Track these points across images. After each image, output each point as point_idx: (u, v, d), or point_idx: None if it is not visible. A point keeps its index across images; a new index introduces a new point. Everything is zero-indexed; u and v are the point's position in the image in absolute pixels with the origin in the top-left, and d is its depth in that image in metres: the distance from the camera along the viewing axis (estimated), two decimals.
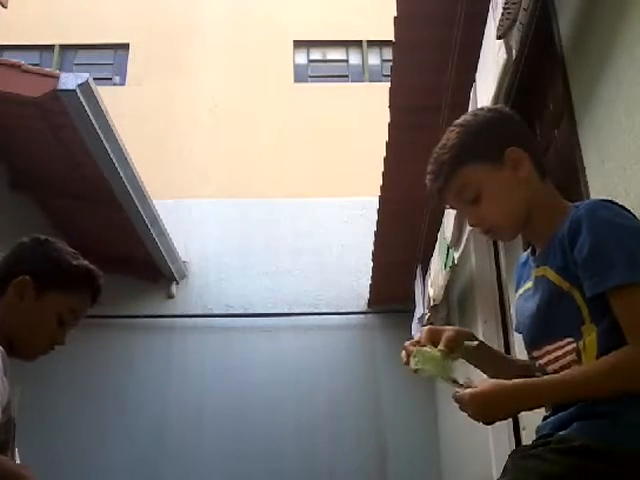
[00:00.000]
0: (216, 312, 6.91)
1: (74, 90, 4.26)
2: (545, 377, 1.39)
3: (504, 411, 1.37)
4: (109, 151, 4.81)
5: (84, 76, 4.35)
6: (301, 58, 8.77)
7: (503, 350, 3.74)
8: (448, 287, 4.81)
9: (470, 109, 3.10)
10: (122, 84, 8.47)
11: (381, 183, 4.63)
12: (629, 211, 1.39)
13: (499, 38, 2.63)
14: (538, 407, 1.40)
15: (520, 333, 1.57)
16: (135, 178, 5.29)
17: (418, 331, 4.97)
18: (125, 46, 8.65)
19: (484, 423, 1.37)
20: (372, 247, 5.61)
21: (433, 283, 4.66)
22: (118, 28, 8.70)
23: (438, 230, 4.42)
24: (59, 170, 5.36)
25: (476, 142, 1.47)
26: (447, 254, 4.16)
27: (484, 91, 2.96)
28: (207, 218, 7.38)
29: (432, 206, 4.39)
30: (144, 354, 6.66)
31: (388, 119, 4.02)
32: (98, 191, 5.42)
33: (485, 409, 1.34)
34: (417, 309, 5.30)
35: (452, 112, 3.30)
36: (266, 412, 6.37)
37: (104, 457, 6.15)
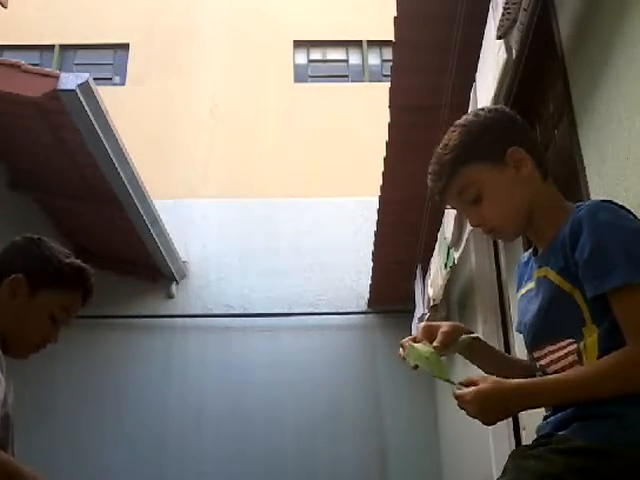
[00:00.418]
0: (216, 312, 6.91)
1: (74, 90, 4.26)
2: (545, 377, 1.40)
3: (505, 411, 1.37)
4: (109, 151, 4.81)
5: (84, 76, 4.35)
6: (301, 58, 8.77)
7: (503, 350, 3.74)
8: (448, 287, 4.82)
9: (470, 109, 3.10)
10: (122, 84, 8.46)
11: (381, 183, 4.63)
12: (629, 211, 1.39)
13: (499, 38, 2.63)
14: (538, 407, 1.40)
15: (521, 333, 1.58)
16: (135, 178, 5.29)
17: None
18: (125, 46, 8.65)
19: (483, 423, 1.37)
20: (372, 247, 5.61)
21: (433, 283, 4.67)
22: (118, 28, 8.70)
23: (438, 230, 4.42)
24: (59, 170, 5.37)
25: (478, 142, 1.47)
26: (447, 254, 4.16)
27: (484, 91, 2.96)
28: (207, 218, 7.38)
29: (432, 206, 4.39)
30: (144, 354, 6.66)
31: (388, 119, 4.02)
32: (98, 191, 5.42)
33: (486, 408, 1.34)
34: (417, 309, 5.31)
35: (452, 112, 3.30)
36: (266, 412, 6.37)
37: (104, 457, 6.16)
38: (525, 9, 2.46)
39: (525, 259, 1.62)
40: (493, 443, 3.85)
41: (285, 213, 7.44)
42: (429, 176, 1.54)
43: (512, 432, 3.76)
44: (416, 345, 1.47)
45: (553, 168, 2.78)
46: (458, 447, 5.30)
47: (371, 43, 8.70)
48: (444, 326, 1.51)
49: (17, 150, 5.27)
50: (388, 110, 3.94)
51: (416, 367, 1.45)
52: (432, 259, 4.74)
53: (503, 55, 2.64)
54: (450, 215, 3.88)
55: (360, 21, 8.63)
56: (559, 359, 1.39)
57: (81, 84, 4.29)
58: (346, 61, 8.85)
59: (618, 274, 1.26)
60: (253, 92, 8.27)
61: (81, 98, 4.32)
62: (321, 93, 8.35)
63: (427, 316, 4.91)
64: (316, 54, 8.92)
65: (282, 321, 6.84)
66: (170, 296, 6.96)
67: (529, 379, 1.38)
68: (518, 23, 2.49)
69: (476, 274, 4.29)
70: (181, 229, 6.96)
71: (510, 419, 3.71)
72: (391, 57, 3.59)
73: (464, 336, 1.52)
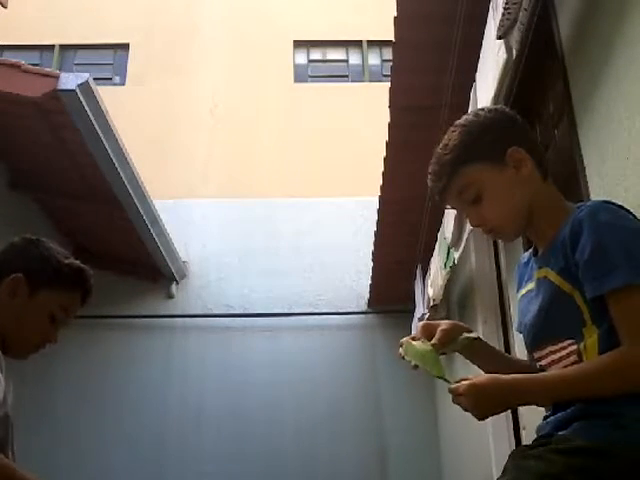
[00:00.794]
0: (216, 312, 6.91)
1: (74, 90, 4.26)
2: (542, 373, 1.40)
3: (499, 405, 1.36)
4: (109, 151, 4.81)
5: (84, 76, 4.35)
6: (301, 58, 8.77)
7: (503, 350, 3.74)
8: (448, 287, 4.82)
9: (470, 109, 3.10)
10: (122, 84, 8.46)
11: (381, 183, 4.63)
12: (629, 212, 1.39)
13: (499, 38, 2.63)
14: (534, 403, 1.40)
15: (521, 333, 1.58)
16: (135, 178, 5.29)
17: None
18: (125, 46, 8.65)
19: (478, 418, 1.36)
20: (372, 247, 5.61)
21: (433, 283, 4.67)
22: (118, 28, 8.70)
23: (438, 230, 4.42)
24: (59, 170, 5.37)
25: (478, 142, 1.47)
26: (447, 254, 4.16)
27: (484, 91, 2.96)
28: (207, 218, 7.38)
29: (432, 206, 4.39)
30: (144, 354, 6.66)
31: (388, 119, 4.02)
32: (98, 191, 5.42)
33: (480, 401, 1.34)
34: (417, 309, 5.31)
35: (452, 112, 3.30)
36: (266, 412, 6.37)
37: (104, 457, 6.16)
38: (525, 9, 2.46)
39: (525, 259, 1.62)
40: (493, 443, 3.85)
41: (285, 213, 7.44)
42: (429, 176, 1.54)
43: (512, 432, 3.75)
44: (414, 343, 1.47)
45: (553, 168, 2.78)
46: (458, 447, 5.30)
47: (371, 43, 8.70)
48: (443, 324, 1.52)
49: (17, 150, 5.27)
50: (388, 110, 3.94)
51: (416, 367, 1.44)
52: (432, 259, 4.74)
53: (503, 55, 2.64)
54: (450, 215, 3.88)
55: (360, 21, 8.63)
56: (560, 359, 1.39)
57: (81, 84, 4.29)
58: (346, 61, 8.85)
59: (618, 275, 1.26)
60: (253, 92, 8.27)
61: (81, 98, 4.32)
62: (321, 93, 8.35)
63: (427, 316, 4.91)
64: (316, 54, 8.93)
65: (282, 321, 6.84)
66: (170, 296, 6.96)
67: (525, 374, 1.38)
68: (518, 23, 2.49)
69: (476, 274, 4.29)
70: (181, 229, 6.96)
71: (510, 419, 3.71)
72: (391, 57, 3.59)
73: (464, 335, 1.52)
